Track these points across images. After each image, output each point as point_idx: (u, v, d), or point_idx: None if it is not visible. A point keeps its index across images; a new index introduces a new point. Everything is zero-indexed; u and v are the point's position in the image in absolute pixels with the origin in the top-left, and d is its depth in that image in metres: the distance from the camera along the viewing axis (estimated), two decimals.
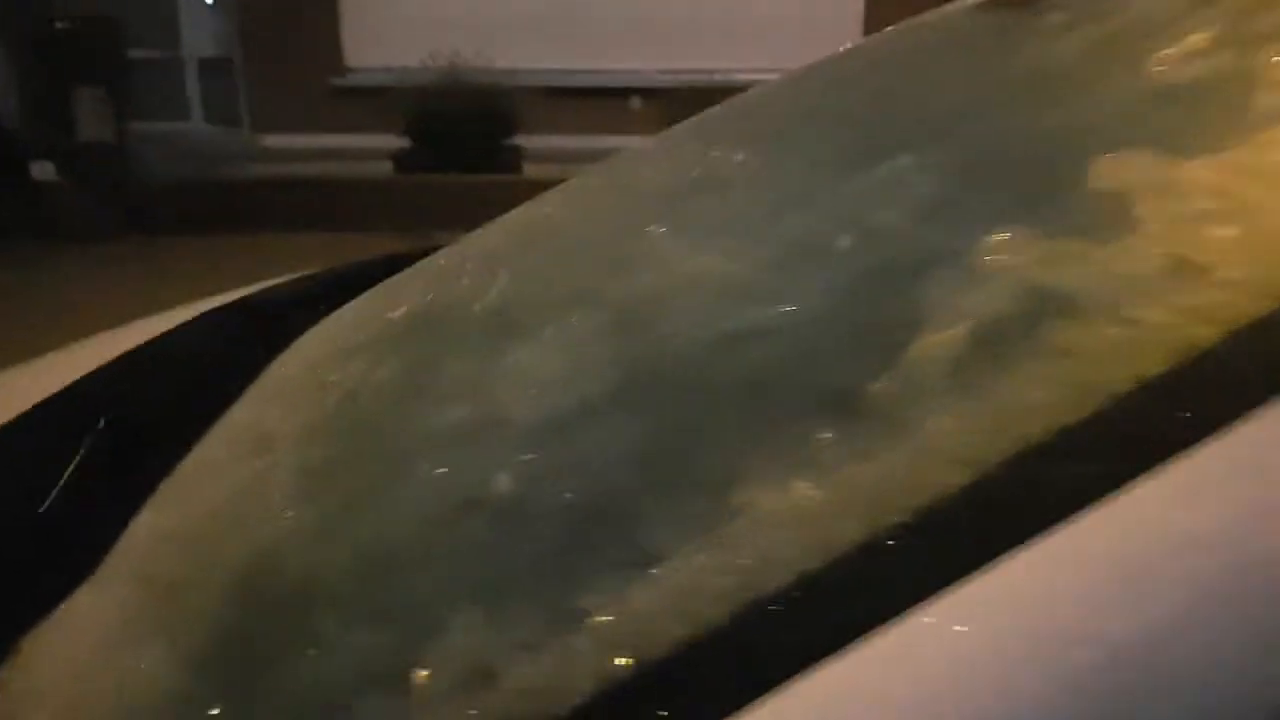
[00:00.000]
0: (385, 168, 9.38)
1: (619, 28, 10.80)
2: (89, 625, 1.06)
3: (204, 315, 1.87)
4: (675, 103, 7.46)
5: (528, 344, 1.18)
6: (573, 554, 0.86)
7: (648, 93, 10.06)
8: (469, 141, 9.02)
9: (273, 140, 10.74)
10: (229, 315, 1.90)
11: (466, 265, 1.66)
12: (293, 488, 1.11)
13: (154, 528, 1.21)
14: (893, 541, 0.70)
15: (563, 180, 1.89)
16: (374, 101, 9.65)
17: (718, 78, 8.85)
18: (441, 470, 1.02)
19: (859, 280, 1.00)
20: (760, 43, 9.95)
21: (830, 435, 0.81)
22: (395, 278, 1.80)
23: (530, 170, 9.20)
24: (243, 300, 2.01)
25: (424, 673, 0.82)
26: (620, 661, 0.74)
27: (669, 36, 10.67)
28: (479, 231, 1.88)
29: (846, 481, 0.77)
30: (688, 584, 0.75)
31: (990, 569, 0.62)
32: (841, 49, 1.84)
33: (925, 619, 0.61)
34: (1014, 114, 1.20)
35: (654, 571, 0.78)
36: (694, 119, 1.79)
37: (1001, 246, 0.90)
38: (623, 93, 10.54)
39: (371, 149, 9.35)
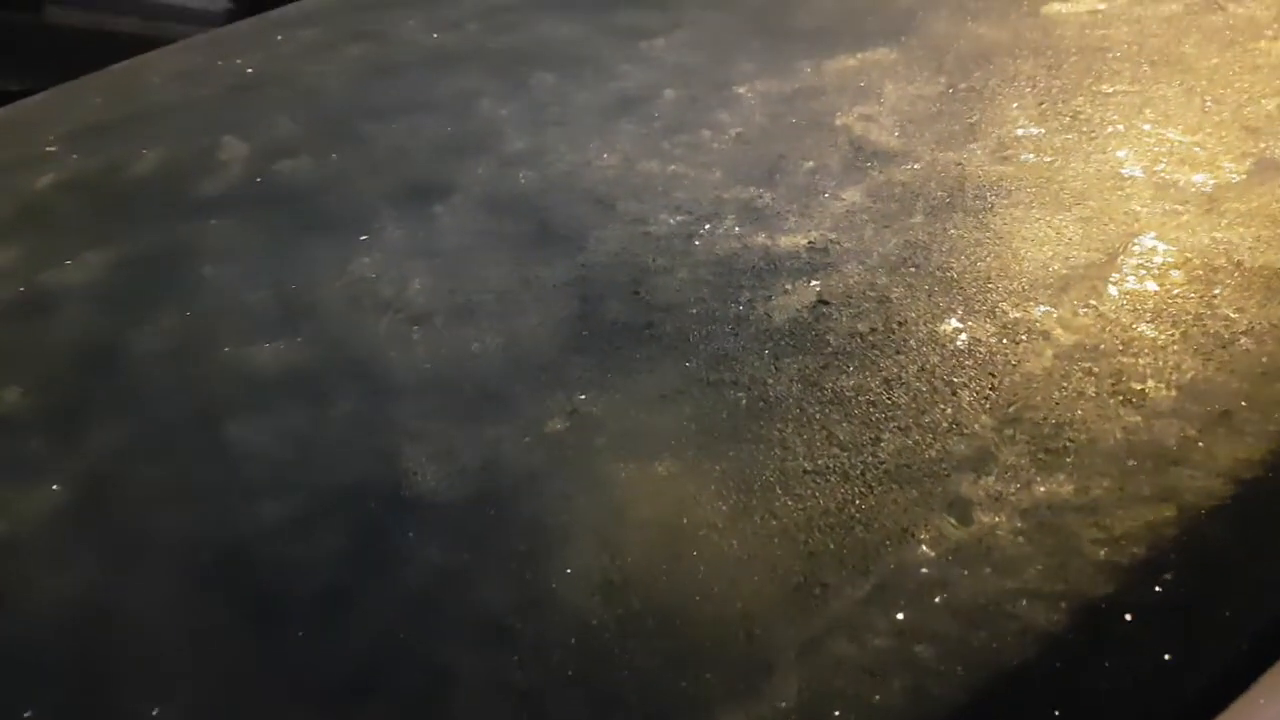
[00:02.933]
0: None
1: None
2: None
3: None
4: None
5: (355, 240, 0.92)
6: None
7: None
8: None
9: None
10: None
11: (132, 126, 1.21)
12: None
13: None
14: None
15: (101, 30, 1.58)
16: None
17: None
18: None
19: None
20: None
21: None
22: None
23: (55, 14, 7.72)
24: None
25: None
26: None
27: None
28: (96, 79, 1.45)
29: None
30: None
31: None
32: None
33: None
34: None
35: None
36: None
37: None
38: None
39: None
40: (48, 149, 1.22)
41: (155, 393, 0.80)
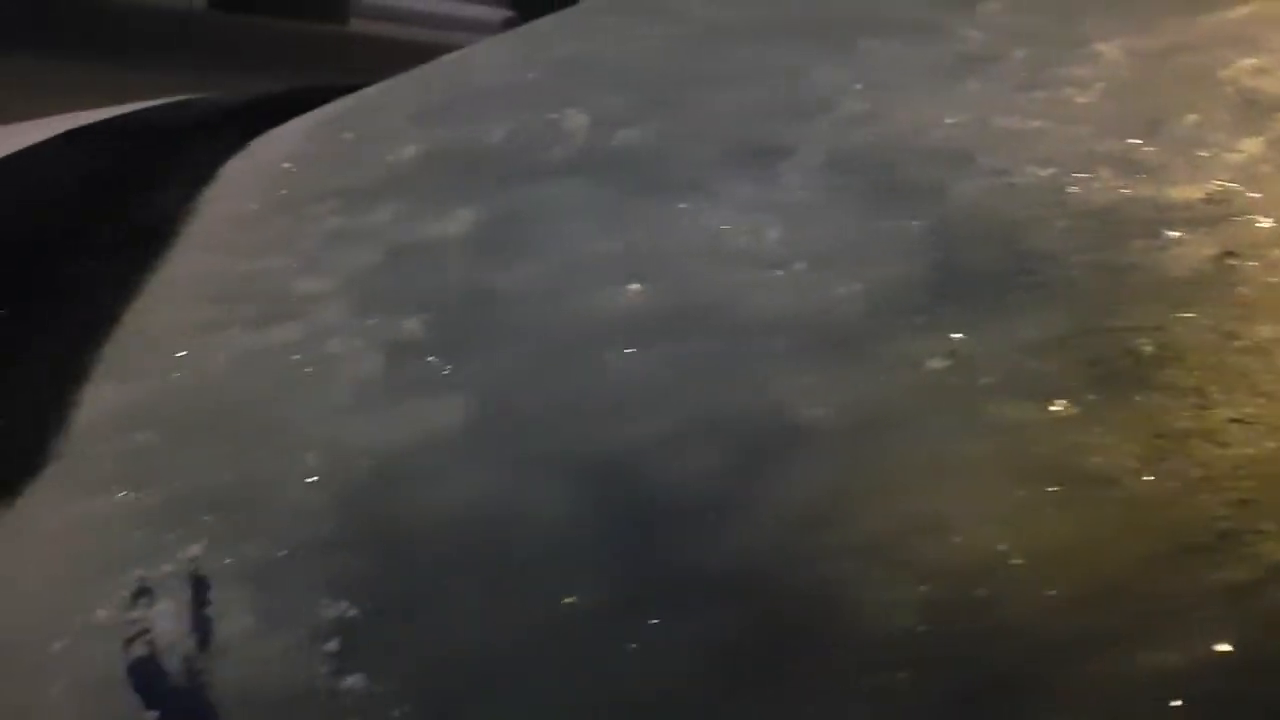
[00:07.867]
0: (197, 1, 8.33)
1: None
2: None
3: (65, 136, 1.45)
4: None
5: (703, 196, 0.92)
6: None
7: None
8: None
9: None
10: (99, 139, 1.48)
11: (477, 104, 1.29)
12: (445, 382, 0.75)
13: (141, 411, 0.84)
14: None
15: (396, 39, 1.61)
16: None
17: None
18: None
19: None
20: None
21: None
22: (332, 109, 1.46)
23: (358, 25, 8.39)
24: (109, 123, 1.57)
25: None
26: None
27: None
28: (430, 68, 1.54)
29: None
30: None
31: None
32: None
33: None
34: None
35: None
36: None
37: None
38: None
39: None
40: (401, 125, 1.33)
41: (532, 328, 0.85)
